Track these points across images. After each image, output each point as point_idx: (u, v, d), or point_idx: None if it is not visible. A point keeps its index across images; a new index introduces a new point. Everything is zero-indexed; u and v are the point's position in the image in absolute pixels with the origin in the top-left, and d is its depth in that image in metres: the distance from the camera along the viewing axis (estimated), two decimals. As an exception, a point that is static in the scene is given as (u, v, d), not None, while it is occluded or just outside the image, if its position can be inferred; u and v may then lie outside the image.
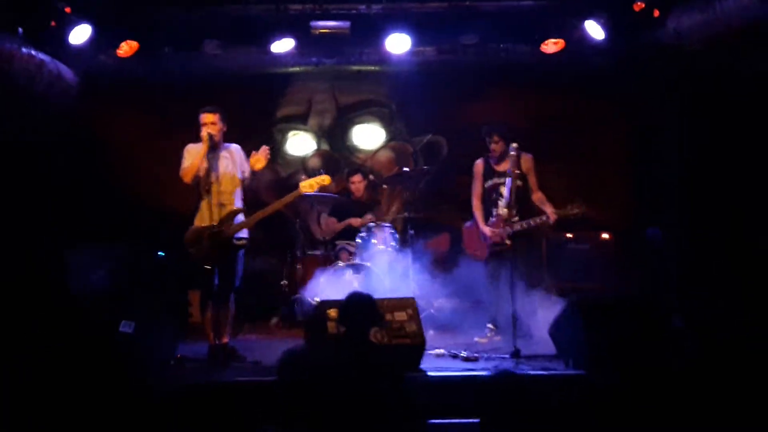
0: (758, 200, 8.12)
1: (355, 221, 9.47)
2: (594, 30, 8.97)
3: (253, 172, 7.44)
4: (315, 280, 8.73)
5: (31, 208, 8.54)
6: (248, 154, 7.44)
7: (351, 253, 9.15)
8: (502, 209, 7.87)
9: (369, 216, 9.46)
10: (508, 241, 7.81)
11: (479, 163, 8.30)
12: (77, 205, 9.46)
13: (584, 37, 9.13)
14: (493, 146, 8.12)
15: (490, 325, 8.06)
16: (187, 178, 7.22)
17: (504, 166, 8.01)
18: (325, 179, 7.72)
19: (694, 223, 8.65)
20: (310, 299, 8.41)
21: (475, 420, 5.41)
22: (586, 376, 6.31)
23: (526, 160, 8.04)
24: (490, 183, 8.17)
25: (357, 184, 9.83)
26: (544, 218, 7.80)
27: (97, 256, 9.11)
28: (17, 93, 8.13)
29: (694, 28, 7.97)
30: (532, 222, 7.83)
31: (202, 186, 7.20)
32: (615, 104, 9.89)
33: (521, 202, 7.91)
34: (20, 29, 7.86)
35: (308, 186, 7.62)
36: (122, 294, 8.60)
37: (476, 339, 8.04)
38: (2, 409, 5.56)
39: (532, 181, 8.06)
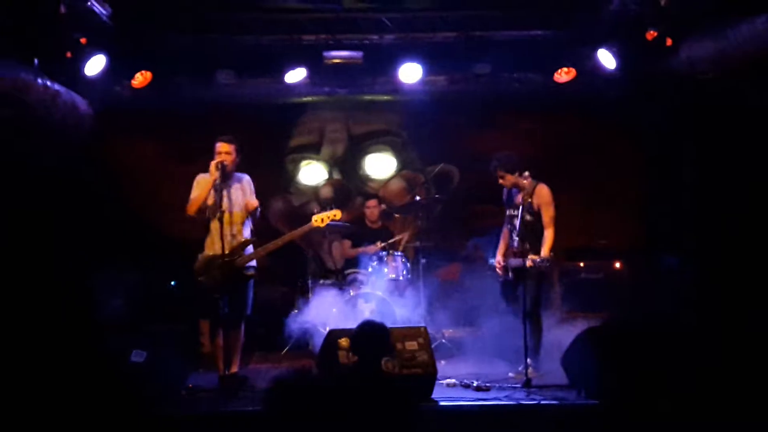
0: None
1: (369, 249, 9.46)
2: (606, 59, 9.00)
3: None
4: (326, 309, 8.72)
5: (50, 236, 8.57)
6: (261, 184, 7.51)
7: (363, 282, 9.14)
8: (513, 241, 7.79)
9: (381, 244, 9.45)
10: (510, 274, 7.77)
11: (504, 192, 8.15)
12: (94, 233, 9.49)
13: (596, 66, 9.17)
14: (500, 181, 8.00)
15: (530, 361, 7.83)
16: (192, 210, 7.25)
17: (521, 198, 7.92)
18: (336, 214, 7.74)
19: (708, 251, 8.60)
20: (319, 328, 8.39)
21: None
22: (598, 406, 6.26)
23: (540, 195, 7.75)
24: (508, 213, 8.03)
25: (372, 208, 9.87)
26: (523, 262, 7.57)
27: (113, 285, 9.14)
28: (34, 123, 8.18)
29: (707, 57, 7.97)
30: (516, 262, 7.72)
31: (211, 215, 7.21)
32: (627, 133, 9.86)
33: (532, 235, 7.66)
34: (36, 60, 7.92)
35: (320, 220, 7.65)
36: (136, 323, 8.63)
37: (510, 374, 7.88)
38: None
39: (545, 216, 7.74)
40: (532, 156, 9.49)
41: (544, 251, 7.64)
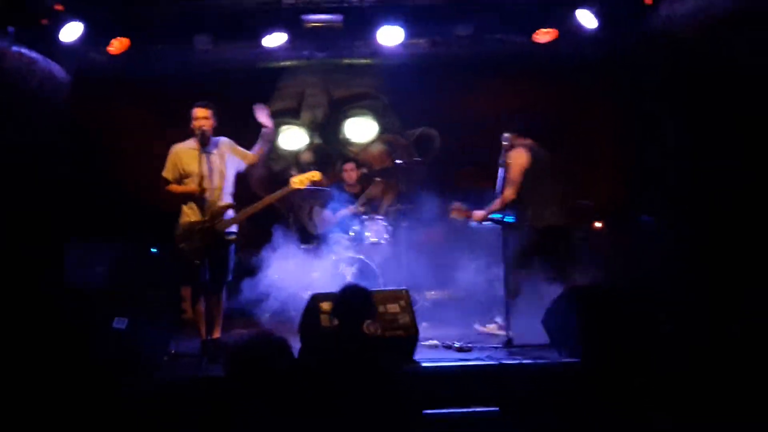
0: (752, 188, 8.09)
1: (348, 209, 9.48)
2: (586, 19, 8.95)
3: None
4: (308, 274, 8.73)
5: (26, 204, 8.52)
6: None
7: (345, 246, 9.15)
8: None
9: (360, 203, 9.47)
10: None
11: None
12: (71, 201, 9.44)
13: (577, 27, 9.11)
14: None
15: (498, 319, 7.98)
16: (194, 185, 7.19)
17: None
18: (315, 175, 7.73)
19: (687, 211, 8.62)
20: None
21: (495, 408, 5.45)
22: (579, 365, 6.30)
23: (511, 156, 7.88)
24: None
25: (349, 172, 9.86)
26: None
27: (94, 253, 9.13)
28: (9, 91, 8.10)
29: (687, 15, 7.95)
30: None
31: (190, 182, 7.19)
32: (609, 93, 9.83)
33: None
34: (11, 28, 7.82)
35: (299, 182, 7.63)
36: (117, 290, 8.61)
37: (477, 326, 8.01)
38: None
39: (508, 175, 7.86)
40: (515, 117, 9.50)
41: (483, 211, 7.91)
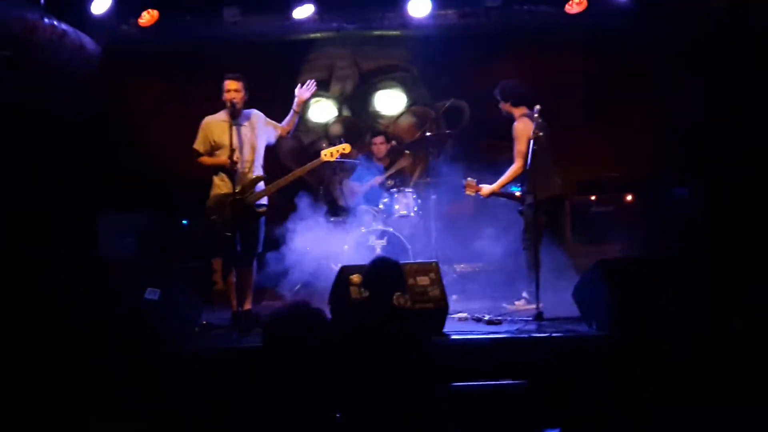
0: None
1: (376, 179, 9.51)
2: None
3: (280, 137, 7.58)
4: (338, 246, 8.76)
5: (58, 176, 8.60)
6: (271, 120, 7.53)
7: (375, 219, 9.16)
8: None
9: (388, 173, 9.49)
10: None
11: None
12: (102, 173, 9.51)
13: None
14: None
15: (525, 294, 7.95)
16: (225, 157, 7.19)
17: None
18: (345, 147, 7.73)
19: (719, 184, 8.56)
20: None
21: (523, 382, 5.45)
22: (609, 337, 6.29)
23: (514, 128, 7.93)
24: None
25: (379, 145, 9.86)
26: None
27: (124, 224, 9.20)
28: (41, 63, 8.15)
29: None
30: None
31: (222, 154, 7.22)
32: (640, 65, 9.74)
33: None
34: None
35: (329, 154, 7.64)
36: (148, 262, 8.69)
37: (505, 305, 8.00)
38: (28, 366, 5.65)
39: (516, 147, 7.88)
40: (544, 90, 9.43)
41: (492, 185, 7.94)
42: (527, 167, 7.55)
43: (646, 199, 9.40)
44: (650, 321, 6.16)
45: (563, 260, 7.86)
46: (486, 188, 8.02)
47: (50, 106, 8.50)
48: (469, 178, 8.13)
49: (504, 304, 7.98)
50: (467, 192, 8.12)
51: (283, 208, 8.70)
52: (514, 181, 7.96)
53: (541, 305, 7.13)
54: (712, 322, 6.03)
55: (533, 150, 7.37)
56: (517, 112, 7.96)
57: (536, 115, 7.44)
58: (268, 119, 7.58)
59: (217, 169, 7.31)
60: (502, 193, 8.05)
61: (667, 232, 8.86)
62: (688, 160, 9.10)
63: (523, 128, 7.78)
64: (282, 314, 3.47)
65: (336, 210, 9.73)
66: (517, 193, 8.06)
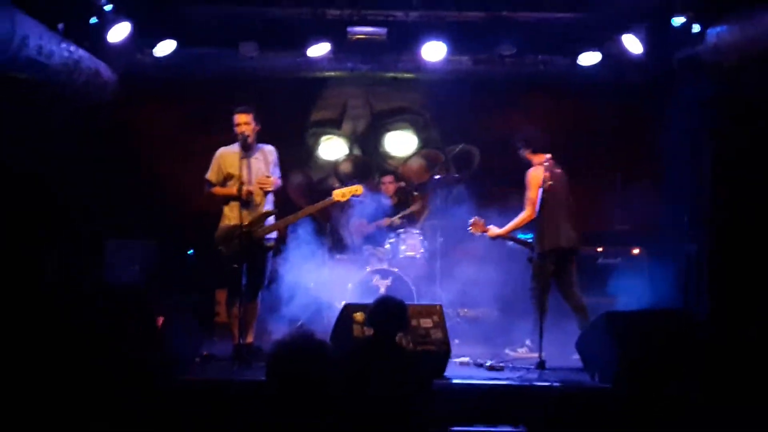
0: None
1: (384, 221, 9.52)
2: (632, 44, 8.93)
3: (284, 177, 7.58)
4: (342, 284, 8.75)
5: (69, 201, 8.63)
6: (280, 158, 7.56)
7: (380, 259, 9.16)
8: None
9: (396, 217, 9.49)
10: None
11: None
12: (113, 200, 9.55)
13: (622, 51, 9.09)
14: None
15: (528, 342, 7.92)
16: (235, 189, 7.23)
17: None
18: (358, 189, 7.74)
19: (727, 240, 8.55)
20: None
21: (522, 429, 5.42)
22: (612, 390, 6.25)
23: (529, 173, 7.90)
24: None
25: (388, 184, 9.92)
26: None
27: (131, 251, 9.21)
28: (57, 88, 8.22)
29: (734, 45, 7.90)
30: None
31: (232, 185, 7.24)
32: (652, 118, 9.80)
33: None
34: (61, 24, 7.92)
35: (341, 194, 7.65)
36: (153, 290, 8.67)
37: (508, 351, 7.96)
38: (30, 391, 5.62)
39: (526, 194, 7.85)
40: (555, 139, 9.48)
41: (500, 228, 7.96)
42: (536, 215, 7.56)
43: (653, 253, 9.40)
44: (653, 375, 6.13)
45: (569, 310, 7.84)
46: (493, 230, 8.00)
47: (65, 130, 8.55)
48: (476, 217, 8.10)
49: (507, 350, 7.95)
50: (472, 230, 8.09)
51: (289, 243, 8.70)
52: (525, 228, 7.92)
53: (543, 354, 7.10)
54: (719, 378, 6.01)
55: (542, 198, 7.40)
56: (536, 159, 7.90)
57: (546, 164, 7.46)
58: (277, 161, 7.59)
59: (228, 200, 7.33)
60: (511, 237, 8.03)
61: (673, 287, 8.85)
62: (696, 214, 9.10)
63: (535, 176, 7.75)
64: (287, 343, 3.45)
65: (342, 248, 9.74)
66: (528, 241, 8.02)
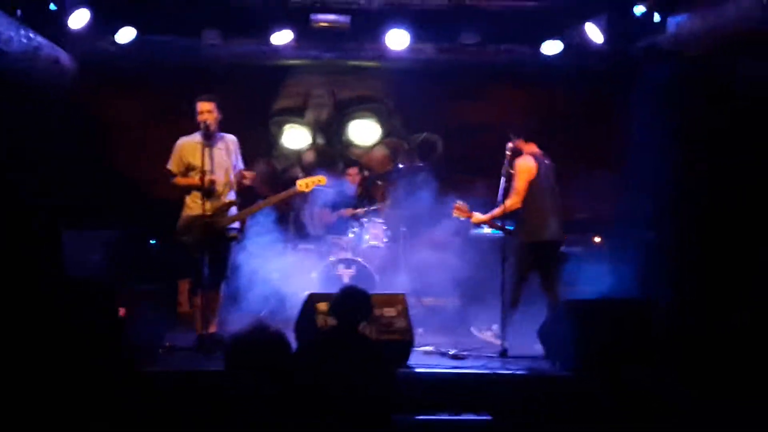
0: (754, 204, 8.13)
1: (347, 211, 9.52)
2: (593, 33, 8.99)
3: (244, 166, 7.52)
4: (306, 274, 8.74)
5: (26, 191, 8.51)
6: (243, 147, 7.52)
7: (344, 248, 9.16)
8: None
9: (360, 210, 9.48)
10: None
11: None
12: (72, 189, 9.45)
13: (584, 40, 9.15)
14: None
15: (494, 327, 7.87)
16: (197, 179, 7.18)
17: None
18: (321, 180, 7.76)
19: (689, 227, 8.64)
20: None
21: (487, 417, 5.46)
22: (573, 377, 6.32)
23: (518, 163, 7.74)
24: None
25: (353, 176, 9.88)
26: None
27: (92, 241, 9.12)
28: (15, 75, 8.10)
29: (694, 34, 7.98)
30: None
31: (194, 175, 7.19)
32: (612, 107, 9.86)
33: None
34: (19, 11, 7.81)
35: (304, 185, 7.64)
36: (114, 280, 8.60)
37: (472, 329, 8.00)
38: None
39: (514, 183, 7.71)
40: (515, 126, 9.53)
41: (484, 215, 7.85)
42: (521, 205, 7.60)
43: (612, 241, 9.48)
44: (614, 363, 6.21)
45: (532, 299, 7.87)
46: (478, 216, 7.90)
47: (22, 118, 8.43)
48: (459, 202, 8.04)
49: (472, 328, 7.98)
50: (455, 215, 8.00)
51: (252, 233, 8.66)
52: (510, 216, 7.85)
53: (506, 342, 7.16)
54: (675, 365, 6.09)
55: (529, 189, 7.55)
56: (527, 148, 7.85)
57: (508, 153, 7.51)
58: (238, 150, 7.56)
59: (190, 190, 7.28)
60: (493, 225, 7.91)
61: (633, 277, 8.93)
62: (656, 202, 9.18)
63: (525, 165, 7.70)
64: (244, 336, 3.45)
65: (305, 237, 9.72)
66: (510, 229, 7.96)
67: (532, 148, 7.82)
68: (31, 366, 5.77)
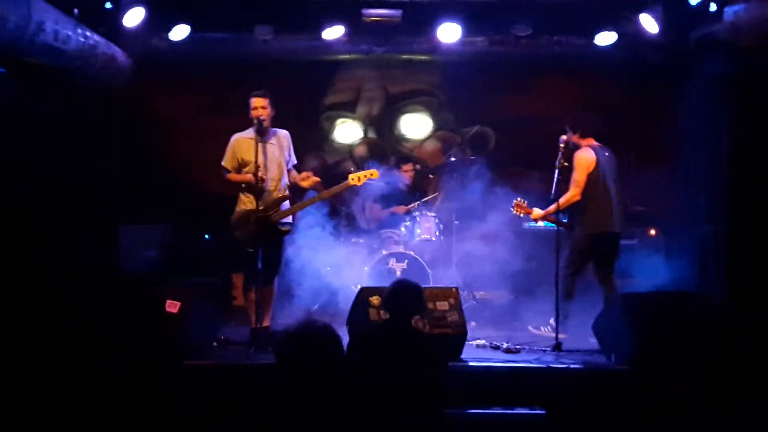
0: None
1: (399, 209, 9.51)
2: (648, 23, 8.88)
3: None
4: (358, 268, 8.76)
5: (84, 187, 8.66)
6: (296, 142, 7.56)
7: (396, 242, 9.16)
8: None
9: (413, 205, 9.46)
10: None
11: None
12: (129, 184, 9.59)
13: (638, 31, 9.04)
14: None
15: (552, 321, 7.78)
16: (250, 175, 7.22)
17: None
18: (373, 173, 7.75)
19: (745, 222, 8.51)
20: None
21: (541, 411, 5.43)
22: (628, 371, 6.25)
23: (577, 155, 7.71)
24: None
25: (409, 172, 9.86)
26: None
27: (147, 236, 9.24)
28: (72, 73, 8.23)
29: (751, 23, 7.82)
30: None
31: (248, 170, 7.24)
32: (668, 99, 9.74)
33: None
34: (76, 10, 7.93)
35: (356, 179, 7.64)
36: (169, 275, 8.71)
37: (530, 327, 7.94)
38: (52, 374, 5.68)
39: (573, 176, 7.69)
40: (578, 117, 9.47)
41: (542, 210, 7.80)
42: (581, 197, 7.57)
43: (669, 234, 9.37)
44: (670, 357, 6.12)
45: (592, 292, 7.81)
46: (537, 212, 7.87)
47: (78, 115, 8.57)
48: (519, 198, 8.02)
49: (530, 327, 7.95)
50: (515, 211, 8.01)
51: (306, 227, 8.70)
52: (567, 209, 7.81)
53: (561, 336, 7.11)
54: (732, 361, 5.99)
55: (590, 181, 7.53)
56: (584, 143, 7.81)
57: (562, 146, 7.44)
58: (292, 147, 7.60)
59: (244, 185, 7.34)
60: (553, 219, 7.85)
61: (689, 269, 8.83)
62: (712, 196, 9.06)
63: (584, 157, 7.67)
64: (294, 331, 3.46)
65: (358, 231, 9.73)
66: (567, 222, 7.91)
67: (590, 141, 7.76)
68: (74, 359, 5.87)
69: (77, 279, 7.27)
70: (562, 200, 7.63)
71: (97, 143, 8.93)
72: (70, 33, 7.72)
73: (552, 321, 7.73)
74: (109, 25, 8.56)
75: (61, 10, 7.55)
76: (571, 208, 7.72)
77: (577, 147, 7.82)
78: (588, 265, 7.72)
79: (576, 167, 7.67)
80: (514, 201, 8.03)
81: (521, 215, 8.05)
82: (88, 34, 8.12)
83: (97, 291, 6.64)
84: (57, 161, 8.18)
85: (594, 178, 7.57)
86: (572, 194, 7.64)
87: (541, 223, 8.33)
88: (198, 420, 5.55)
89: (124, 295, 6.48)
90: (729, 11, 8.02)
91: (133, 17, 8.59)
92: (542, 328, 7.90)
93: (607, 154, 7.71)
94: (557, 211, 7.66)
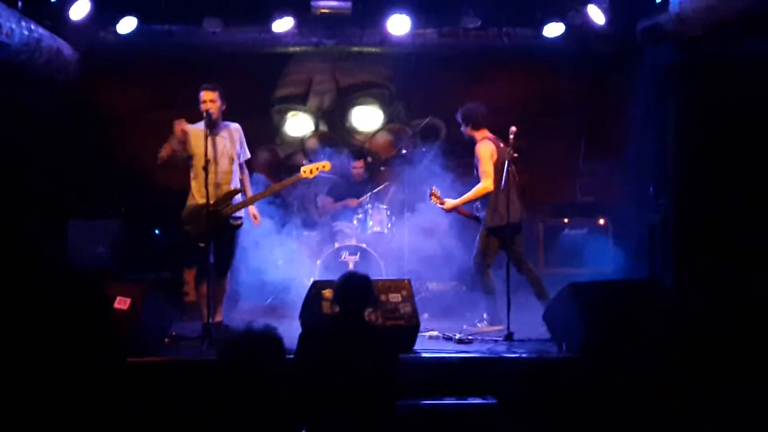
0: (755, 186, 8.13)
1: (352, 202, 9.51)
2: (595, 14, 8.95)
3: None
4: (311, 261, 8.75)
5: (30, 182, 8.53)
6: (247, 135, 7.52)
7: (348, 235, 9.16)
8: None
9: (365, 197, 9.47)
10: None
11: None
12: (75, 179, 9.47)
13: (586, 22, 9.11)
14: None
15: (485, 316, 7.89)
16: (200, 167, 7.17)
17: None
18: (326, 165, 7.73)
19: (692, 210, 8.63)
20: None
21: (493, 400, 5.47)
22: (579, 360, 6.32)
23: (479, 148, 7.90)
24: None
25: (359, 169, 9.87)
26: None
27: (96, 231, 9.13)
28: (17, 67, 8.10)
29: (697, 14, 7.93)
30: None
31: (198, 164, 7.18)
32: (616, 88, 9.85)
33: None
34: (20, 3, 7.81)
35: (308, 171, 7.63)
36: (119, 270, 8.63)
37: (476, 323, 7.99)
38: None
39: (481, 168, 7.84)
40: (521, 111, 9.54)
41: (454, 200, 7.94)
42: (500, 188, 7.60)
43: (617, 223, 9.49)
44: (620, 345, 6.20)
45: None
46: (449, 203, 7.96)
47: (25, 110, 8.44)
48: (434, 188, 8.09)
49: (476, 322, 8.01)
50: (432, 200, 8.10)
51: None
52: (481, 201, 7.90)
53: (511, 326, 7.17)
54: (680, 347, 6.09)
55: (494, 172, 7.62)
56: (478, 135, 7.95)
57: (512, 137, 7.47)
58: (244, 140, 7.56)
59: (193, 177, 7.28)
60: (462, 211, 8.01)
61: (638, 258, 8.94)
62: (661, 184, 9.17)
63: (486, 148, 7.80)
64: (235, 339, 3.46)
65: (310, 224, 9.71)
66: (475, 214, 8.00)
67: (485, 132, 7.85)
68: (24, 359, 5.78)
69: (22, 275, 7.15)
70: (473, 192, 7.78)
71: (44, 138, 8.80)
72: (13, 26, 7.60)
73: (486, 315, 7.81)
74: (54, 18, 8.44)
75: (4, 2, 7.43)
76: (483, 201, 7.81)
77: (472, 139, 7.98)
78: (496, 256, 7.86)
79: (481, 159, 7.82)
80: (430, 189, 8.10)
81: (437, 204, 8.09)
82: (32, 27, 8.00)
83: (43, 288, 6.54)
84: (1, 156, 8.06)
85: (497, 170, 7.65)
86: (484, 185, 7.76)
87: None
88: (150, 418, 5.52)
89: (72, 292, 6.38)
90: (674, 2, 8.12)
91: (79, 10, 8.44)
92: (478, 324, 7.91)
93: (502, 145, 7.77)
94: (470, 202, 7.83)
